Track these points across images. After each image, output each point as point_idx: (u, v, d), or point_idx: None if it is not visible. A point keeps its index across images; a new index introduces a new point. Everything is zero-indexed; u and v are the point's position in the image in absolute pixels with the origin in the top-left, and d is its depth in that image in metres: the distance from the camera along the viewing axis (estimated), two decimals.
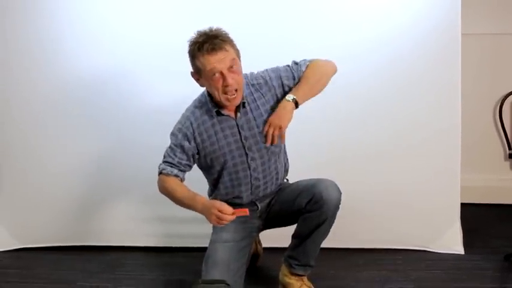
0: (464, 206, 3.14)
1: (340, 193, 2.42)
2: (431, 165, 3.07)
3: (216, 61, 2.25)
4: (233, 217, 2.26)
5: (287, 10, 3.00)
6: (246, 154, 2.46)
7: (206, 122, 2.42)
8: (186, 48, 2.74)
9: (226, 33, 2.31)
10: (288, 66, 2.48)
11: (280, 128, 2.37)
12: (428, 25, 2.98)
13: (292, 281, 2.55)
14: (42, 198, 3.17)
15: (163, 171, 2.43)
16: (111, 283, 2.80)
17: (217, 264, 2.41)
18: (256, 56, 2.84)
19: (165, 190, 2.44)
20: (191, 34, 2.32)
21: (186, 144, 2.42)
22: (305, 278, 2.57)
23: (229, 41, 2.30)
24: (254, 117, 2.42)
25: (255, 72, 2.50)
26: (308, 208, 2.42)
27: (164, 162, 2.45)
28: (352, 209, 2.96)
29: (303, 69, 2.44)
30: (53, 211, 3.17)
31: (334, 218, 2.43)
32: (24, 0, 3.02)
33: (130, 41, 3.03)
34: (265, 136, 2.39)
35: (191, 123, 2.43)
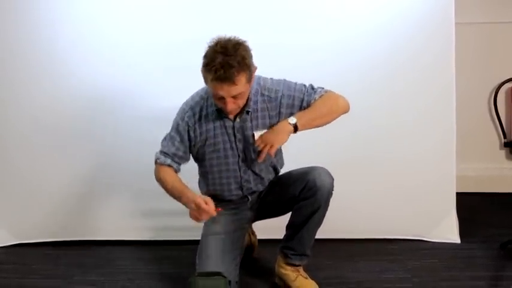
0: (459, 195, 3.14)
1: (333, 179, 2.42)
2: (426, 155, 3.08)
3: (222, 90, 2.21)
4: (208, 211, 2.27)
5: (282, 5, 3.00)
6: (239, 156, 2.47)
7: (208, 115, 2.41)
8: (183, 45, 2.85)
9: (244, 56, 2.20)
10: (304, 86, 2.43)
11: (272, 146, 2.36)
12: (422, 14, 2.98)
13: (288, 272, 2.55)
14: (38, 195, 3.16)
15: (158, 161, 2.46)
16: (107, 277, 2.80)
17: (211, 256, 2.42)
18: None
19: (158, 180, 2.47)
20: (212, 37, 2.24)
21: (186, 135, 2.43)
22: (301, 269, 2.57)
23: (244, 69, 2.20)
24: (252, 126, 2.41)
25: (270, 80, 2.45)
26: (302, 196, 2.42)
27: (161, 151, 2.47)
28: (348, 200, 2.97)
29: (316, 97, 2.40)
30: (48, 207, 3.17)
31: (328, 205, 2.43)
32: (16, 2, 2.99)
33: (126, 39, 3.02)
34: (259, 152, 2.39)
35: (193, 114, 2.42)
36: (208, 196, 2.53)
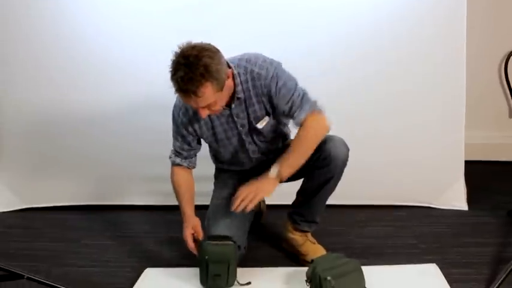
0: (468, 163, 3.13)
1: (348, 149, 2.40)
2: (435, 123, 3.06)
3: (189, 102, 2.13)
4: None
5: None
6: (243, 140, 2.43)
7: None
8: (192, 8, 2.85)
9: (207, 65, 2.04)
10: (295, 88, 2.26)
11: (250, 202, 2.24)
12: None
13: (297, 236, 2.56)
14: (45, 159, 3.17)
15: (170, 159, 2.48)
16: (115, 241, 2.82)
17: (220, 221, 2.42)
18: (247, 18, 2.90)
19: (171, 180, 2.50)
20: (176, 47, 2.11)
21: (185, 131, 2.39)
22: (309, 234, 2.57)
23: (208, 79, 2.05)
24: (248, 106, 2.32)
25: (262, 57, 2.28)
26: (316, 165, 2.39)
27: (172, 149, 2.48)
28: (356, 166, 2.93)
29: (302, 117, 2.25)
30: (56, 172, 3.18)
31: (341, 175, 2.42)
32: None
33: (134, 4, 2.98)
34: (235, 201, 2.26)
35: (187, 110, 2.35)
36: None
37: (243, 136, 2.41)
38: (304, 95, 2.30)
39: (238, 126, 2.38)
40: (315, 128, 2.30)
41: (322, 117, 2.31)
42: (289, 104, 2.28)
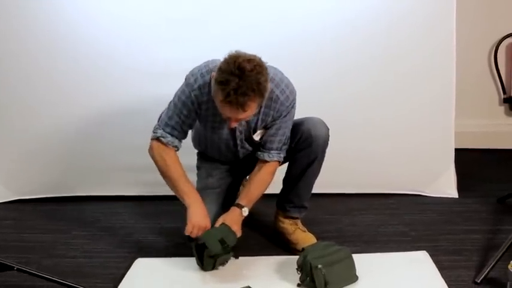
0: (458, 151, 3.14)
1: (328, 129, 2.41)
2: (426, 111, 3.07)
3: (230, 113, 2.10)
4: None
5: None
6: (237, 143, 2.44)
7: (211, 101, 2.24)
8: (186, 17, 2.77)
9: (260, 82, 2.03)
10: (283, 134, 2.35)
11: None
12: None
13: (286, 225, 2.56)
14: (37, 151, 3.14)
15: (163, 139, 2.32)
16: (106, 232, 2.81)
17: (208, 210, 2.40)
18: (243, 5, 2.89)
19: (159, 160, 2.35)
20: (226, 54, 2.08)
21: (193, 112, 2.31)
22: (299, 222, 2.57)
23: (258, 95, 2.05)
24: (253, 119, 2.31)
25: (286, 80, 2.29)
26: (297, 147, 2.41)
27: (165, 124, 2.33)
28: (347, 155, 2.97)
29: (270, 159, 2.36)
30: (47, 163, 3.16)
31: (324, 155, 2.43)
32: None
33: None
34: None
35: (201, 94, 2.26)
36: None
37: (238, 141, 2.43)
38: (287, 142, 2.39)
39: (237, 132, 2.38)
40: (273, 174, 2.42)
41: (277, 168, 2.43)
42: (273, 138, 2.35)
